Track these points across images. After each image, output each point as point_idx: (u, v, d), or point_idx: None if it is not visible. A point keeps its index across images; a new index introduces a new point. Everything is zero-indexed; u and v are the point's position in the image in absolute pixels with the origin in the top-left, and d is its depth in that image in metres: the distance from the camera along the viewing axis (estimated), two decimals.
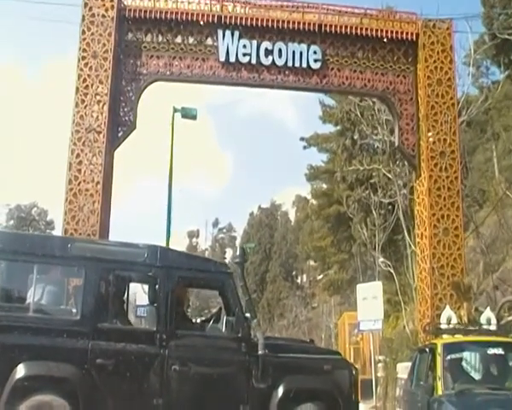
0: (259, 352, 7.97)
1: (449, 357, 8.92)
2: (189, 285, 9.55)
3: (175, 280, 8.19)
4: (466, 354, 9.09)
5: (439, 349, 8.99)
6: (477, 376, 8.97)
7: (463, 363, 9.09)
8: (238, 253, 8.92)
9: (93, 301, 7.78)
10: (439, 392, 8.44)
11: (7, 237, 8.91)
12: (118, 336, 7.76)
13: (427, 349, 9.73)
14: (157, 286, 8.18)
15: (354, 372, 8.86)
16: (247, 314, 8.32)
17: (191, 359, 7.92)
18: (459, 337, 9.64)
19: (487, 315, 10.32)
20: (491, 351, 9.13)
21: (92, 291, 7.80)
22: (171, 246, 19.08)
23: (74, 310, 7.99)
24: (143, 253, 8.16)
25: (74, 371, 7.39)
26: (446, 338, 9.66)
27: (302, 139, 50.14)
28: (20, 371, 7.19)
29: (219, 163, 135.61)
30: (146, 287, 12.66)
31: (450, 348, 9.12)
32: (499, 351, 9.13)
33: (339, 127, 43.31)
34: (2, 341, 7.31)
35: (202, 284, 9.66)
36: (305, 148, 49.70)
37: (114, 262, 8.13)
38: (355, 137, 40.06)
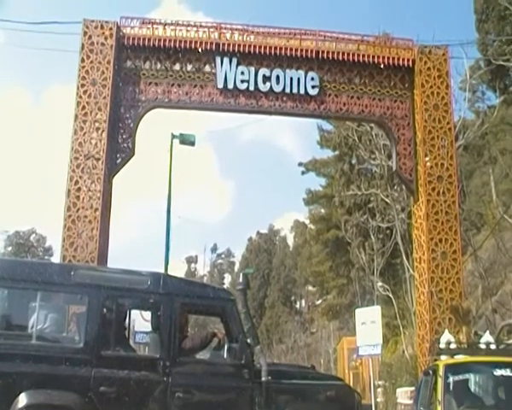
0: (263, 378, 7.86)
1: (451, 379, 8.18)
2: (191, 312, 9.48)
3: (178, 307, 8.08)
4: (470, 376, 8.48)
5: (441, 371, 8.28)
6: (482, 400, 8.38)
7: (467, 385, 8.48)
8: (241, 279, 8.85)
9: (96, 328, 7.68)
10: None
11: (9, 265, 8.79)
12: (121, 364, 7.64)
13: (431, 371, 9.07)
14: (160, 313, 8.09)
15: (357, 398, 8.81)
16: (250, 341, 8.23)
17: (194, 386, 7.81)
18: (463, 358, 8.91)
19: (486, 339, 9.94)
20: (498, 372, 8.33)
21: (95, 318, 7.70)
22: (169, 272, 19.11)
23: (77, 337, 7.88)
24: (146, 280, 8.09)
25: (77, 400, 7.26)
26: (449, 359, 9.02)
27: (300, 164, 50.45)
28: (23, 399, 7.06)
29: (218, 189, 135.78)
30: (145, 313, 12.58)
31: (452, 369, 8.38)
32: (507, 372, 8.27)
33: (337, 152, 43.55)
34: (5, 369, 7.20)
35: (205, 310, 9.60)
36: (303, 173, 50.05)
37: (117, 289, 8.01)
38: (353, 161, 40.32)
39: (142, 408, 7.58)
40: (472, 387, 8.42)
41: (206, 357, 8.51)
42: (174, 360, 7.78)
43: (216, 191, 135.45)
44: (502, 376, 8.30)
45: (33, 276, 7.78)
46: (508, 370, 8.27)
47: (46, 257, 57.61)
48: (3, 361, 7.25)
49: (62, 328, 8.43)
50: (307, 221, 59.39)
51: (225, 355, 8.10)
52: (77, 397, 7.28)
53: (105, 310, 7.85)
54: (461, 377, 8.39)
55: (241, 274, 9.23)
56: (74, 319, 8.46)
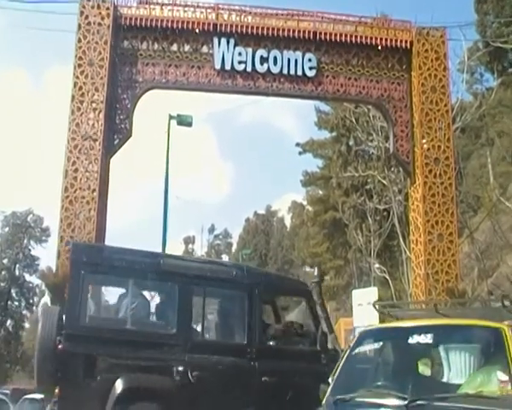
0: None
1: (357, 350, 6.23)
2: (272, 302, 9.95)
3: (261, 297, 8.60)
4: (380, 345, 6.40)
5: (354, 340, 6.46)
6: (388, 376, 6.22)
7: (377, 357, 6.39)
8: (315, 272, 9.56)
9: (187, 315, 8.09)
10: (323, 400, 5.85)
11: (104, 251, 9.16)
12: (212, 350, 8.09)
13: None
14: (245, 302, 8.49)
15: None
16: (325, 329, 8.70)
17: (279, 370, 8.24)
18: (385, 323, 7.07)
19: None
20: (415, 339, 6.01)
21: (186, 306, 8.08)
22: (167, 252, 19.12)
23: (169, 324, 8.23)
24: (232, 271, 8.66)
25: (172, 384, 7.60)
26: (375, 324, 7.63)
27: (297, 145, 50.28)
28: (121, 383, 7.35)
29: (217, 170, 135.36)
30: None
31: (366, 337, 6.47)
32: (426, 339, 6.02)
33: (334, 133, 43.42)
34: (104, 353, 7.52)
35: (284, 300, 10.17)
36: (300, 153, 49.82)
37: (205, 279, 8.38)
38: (350, 143, 40.19)
39: (231, 392, 7.94)
40: (382, 359, 6.45)
41: (287, 344, 8.89)
42: (260, 347, 8.26)
43: (215, 173, 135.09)
44: (418, 344, 6.10)
45: (127, 263, 8.09)
46: (428, 336, 6.07)
47: (43, 238, 57.72)
48: (102, 345, 7.51)
49: (154, 314, 8.76)
50: (305, 202, 59.41)
51: (304, 342, 8.74)
52: (171, 381, 7.62)
53: (195, 298, 8.26)
54: (369, 347, 6.44)
55: (316, 267, 9.99)
56: (165, 306, 8.71)
